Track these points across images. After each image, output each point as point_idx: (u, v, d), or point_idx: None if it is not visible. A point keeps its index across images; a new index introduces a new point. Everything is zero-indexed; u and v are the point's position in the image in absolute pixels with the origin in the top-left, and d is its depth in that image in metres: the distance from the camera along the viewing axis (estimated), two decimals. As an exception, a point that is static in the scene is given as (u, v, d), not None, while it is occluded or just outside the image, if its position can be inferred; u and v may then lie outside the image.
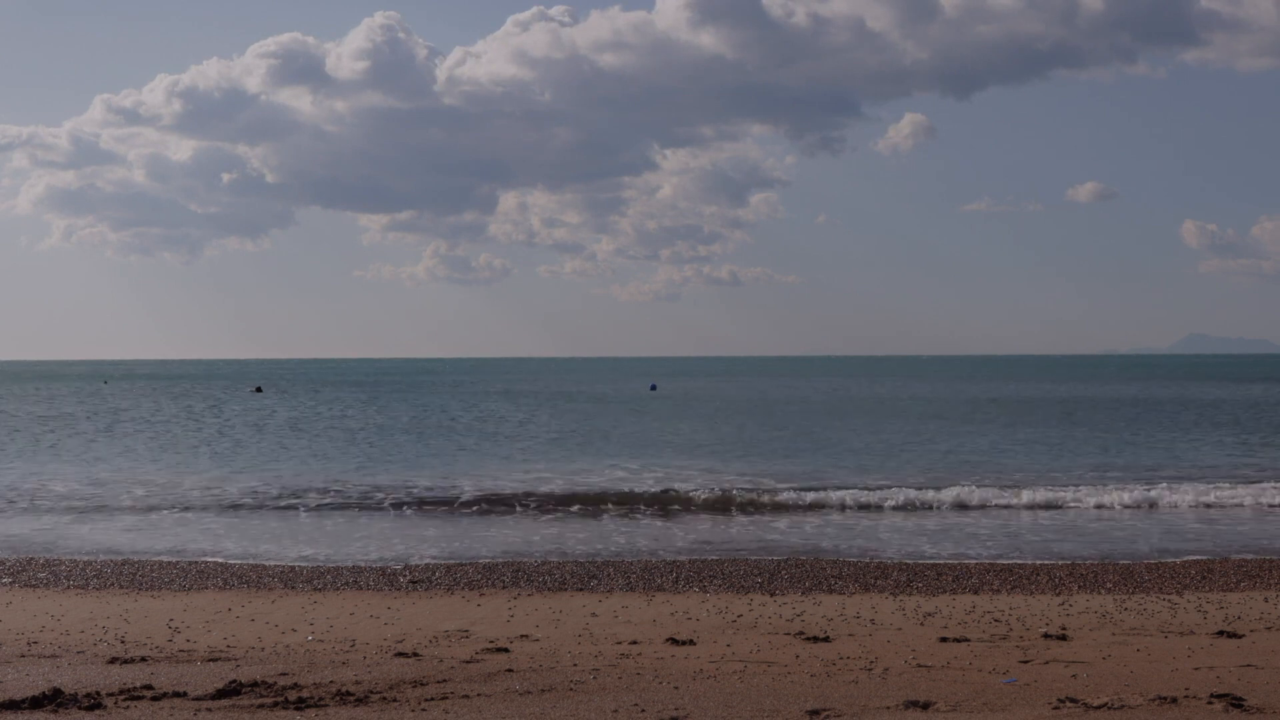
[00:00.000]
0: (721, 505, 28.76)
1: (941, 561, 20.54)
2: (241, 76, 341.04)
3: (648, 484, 32.34)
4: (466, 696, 9.94)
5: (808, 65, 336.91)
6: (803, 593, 17.32)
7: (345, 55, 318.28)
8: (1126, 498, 28.64)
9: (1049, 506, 28.15)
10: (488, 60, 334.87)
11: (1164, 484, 30.85)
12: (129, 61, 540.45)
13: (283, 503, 29.61)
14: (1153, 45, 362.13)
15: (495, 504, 29.03)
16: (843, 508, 28.14)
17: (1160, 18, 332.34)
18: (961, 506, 28.09)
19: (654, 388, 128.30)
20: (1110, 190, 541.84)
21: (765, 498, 29.27)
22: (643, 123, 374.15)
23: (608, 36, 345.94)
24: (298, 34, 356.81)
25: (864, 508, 28.12)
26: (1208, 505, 28.11)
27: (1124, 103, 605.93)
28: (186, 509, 28.57)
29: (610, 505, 28.78)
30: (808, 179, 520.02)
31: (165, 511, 28.19)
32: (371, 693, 10.06)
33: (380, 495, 30.46)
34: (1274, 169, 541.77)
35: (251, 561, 20.90)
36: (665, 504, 28.96)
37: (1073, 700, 9.59)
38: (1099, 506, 28.07)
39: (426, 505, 29.04)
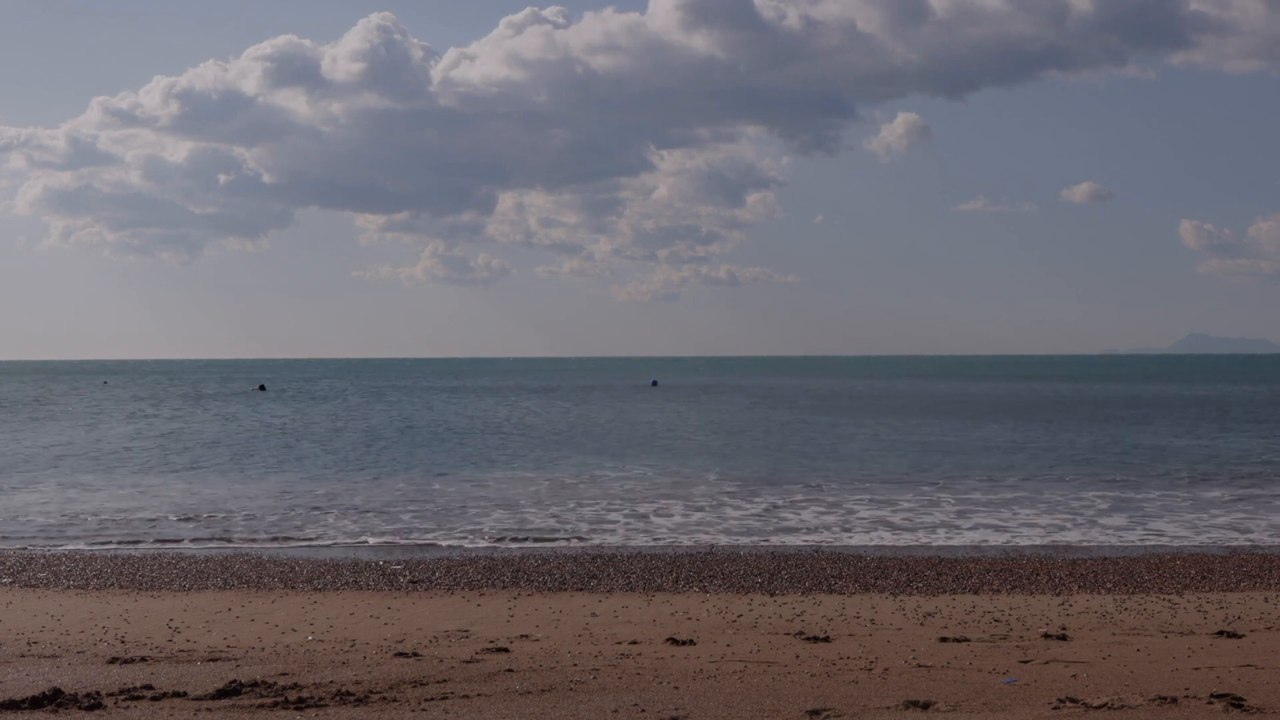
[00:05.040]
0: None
1: (942, 561, 20.54)
2: (238, 79, 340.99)
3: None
4: (466, 696, 9.93)
5: (800, 67, 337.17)
6: (803, 593, 17.31)
7: (341, 57, 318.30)
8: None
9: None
10: (482, 62, 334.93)
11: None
12: (126, 63, 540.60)
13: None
14: (1142, 47, 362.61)
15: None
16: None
17: (1149, 20, 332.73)
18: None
19: (655, 384, 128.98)
20: (1106, 191, 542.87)
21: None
22: (638, 124, 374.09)
23: (601, 39, 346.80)
24: (293, 36, 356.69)
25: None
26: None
27: (1116, 104, 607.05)
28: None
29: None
30: (804, 179, 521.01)
31: None
32: (371, 693, 10.05)
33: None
34: (1268, 170, 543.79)
35: (252, 560, 20.89)
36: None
37: (1073, 700, 9.59)
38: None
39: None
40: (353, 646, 12.71)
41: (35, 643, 12.90)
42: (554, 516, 27.04)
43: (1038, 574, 19.02)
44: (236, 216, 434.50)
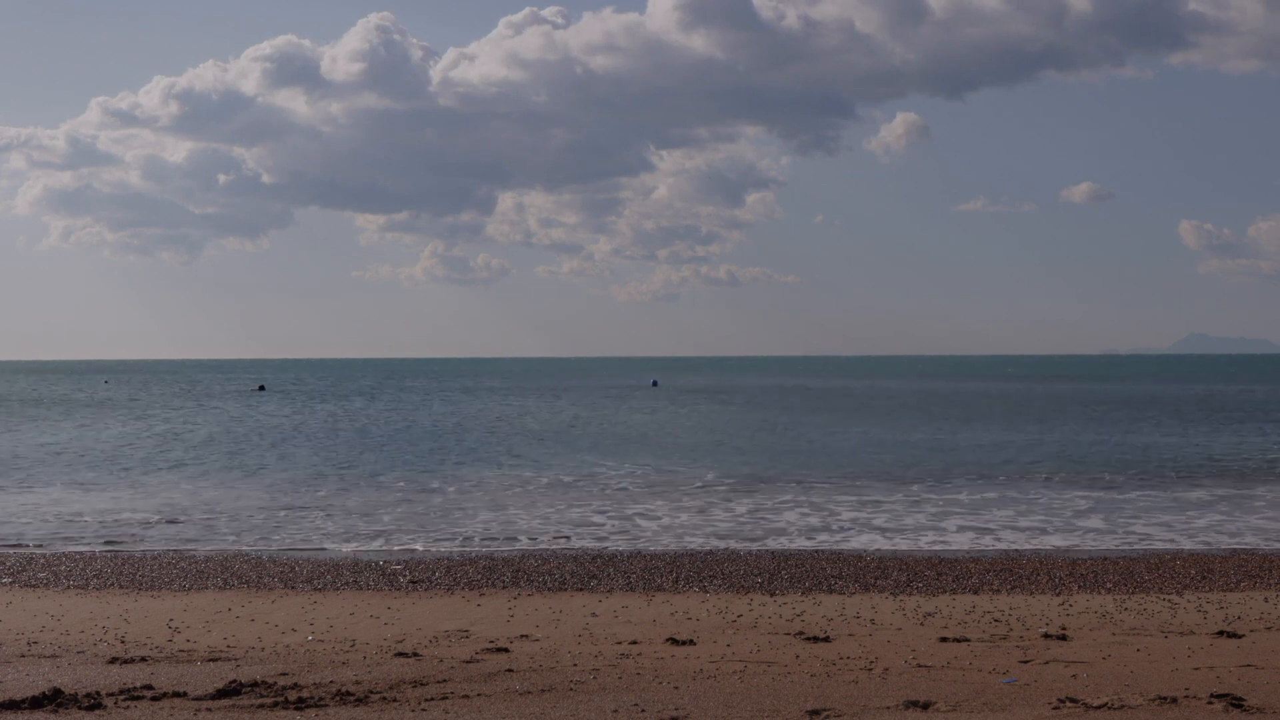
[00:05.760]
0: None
1: (941, 561, 20.54)
2: (237, 79, 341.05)
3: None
4: (466, 696, 9.93)
5: (800, 67, 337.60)
6: (803, 593, 17.31)
7: (341, 57, 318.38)
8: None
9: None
10: (482, 62, 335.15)
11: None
12: (126, 63, 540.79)
13: None
14: (1141, 48, 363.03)
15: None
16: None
17: (1148, 20, 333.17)
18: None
19: (655, 384, 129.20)
20: (1106, 191, 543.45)
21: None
22: (637, 124, 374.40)
23: (600, 39, 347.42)
24: (293, 36, 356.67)
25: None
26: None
27: (1115, 104, 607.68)
28: None
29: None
30: (803, 179, 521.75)
31: None
32: (371, 693, 10.05)
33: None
34: (1268, 170, 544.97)
35: (252, 560, 20.89)
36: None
37: (1073, 700, 9.59)
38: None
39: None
40: (353, 646, 12.71)
41: (35, 643, 12.90)
42: (545, 518, 27.01)
43: (1038, 574, 19.02)
44: (236, 216, 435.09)
